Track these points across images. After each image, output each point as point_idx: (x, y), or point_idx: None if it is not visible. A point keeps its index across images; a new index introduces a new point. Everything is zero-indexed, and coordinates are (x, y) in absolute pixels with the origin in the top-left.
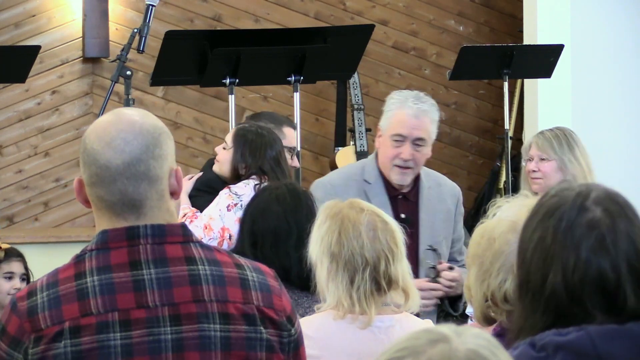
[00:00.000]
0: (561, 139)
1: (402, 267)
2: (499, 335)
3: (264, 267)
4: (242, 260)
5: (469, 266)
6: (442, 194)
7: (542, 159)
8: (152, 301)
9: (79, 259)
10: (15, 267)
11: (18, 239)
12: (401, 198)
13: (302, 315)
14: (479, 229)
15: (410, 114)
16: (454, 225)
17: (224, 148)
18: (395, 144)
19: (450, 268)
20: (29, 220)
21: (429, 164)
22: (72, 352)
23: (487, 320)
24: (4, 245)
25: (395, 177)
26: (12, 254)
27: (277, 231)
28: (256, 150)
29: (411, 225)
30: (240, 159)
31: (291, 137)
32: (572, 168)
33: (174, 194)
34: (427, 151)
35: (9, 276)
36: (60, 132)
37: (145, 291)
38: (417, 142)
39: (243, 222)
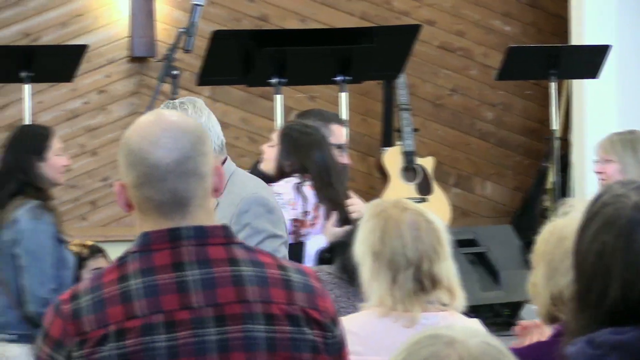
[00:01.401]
0: (626, 142)
1: (446, 267)
2: (560, 334)
3: (306, 269)
4: (285, 262)
5: (535, 263)
6: (232, 201)
7: (607, 161)
8: (196, 302)
9: (122, 262)
10: (102, 262)
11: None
12: None
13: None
14: (548, 227)
15: None
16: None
17: (271, 146)
18: None
19: None
20: (77, 220)
21: (475, 164)
22: (117, 355)
23: (550, 319)
24: (88, 242)
25: None
26: (96, 250)
27: None
28: (300, 149)
29: None
30: (285, 156)
31: (339, 134)
32: (632, 172)
33: (216, 190)
34: None
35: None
36: (107, 131)
37: (189, 292)
38: None
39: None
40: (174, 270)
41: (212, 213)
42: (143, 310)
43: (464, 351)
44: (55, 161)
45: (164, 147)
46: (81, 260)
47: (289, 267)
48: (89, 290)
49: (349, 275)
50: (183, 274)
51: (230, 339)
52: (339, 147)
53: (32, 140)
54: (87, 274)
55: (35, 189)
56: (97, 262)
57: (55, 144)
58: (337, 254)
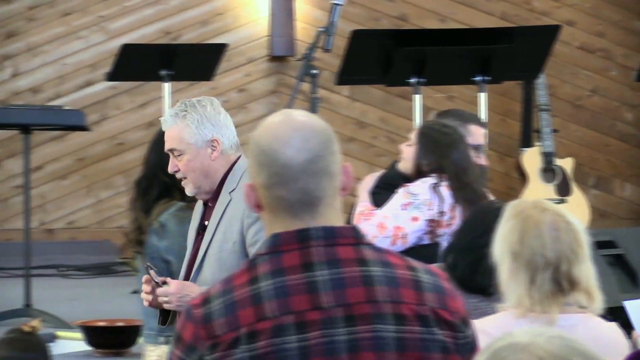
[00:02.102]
0: None
1: (585, 268)
2: None
3: (436, 269)
4: (414, 263)
5: None
6: (241, 197)
7: None
8: (326, 302)
9: (251, 264)
10: None
11: None
12: (207, 206)
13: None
14: None
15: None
16: (245, 229)
17: (409, 145)
18: None
19: (164, 282)
20: None
21: (614, 165)
22: (249, 358)
23: None
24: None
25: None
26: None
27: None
28: (438, 148)
29: (207, 232)
30: (423, 156)
31: (477, 135)
32: None
33: (344, 189)
34: (187, 159)
35: None
36: (247, 130)
37: (319, 292)
38: (173, 152)
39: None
40: (303, 271)
41: (341, 212)
42: (274, 312)
43: (542, 352)
44: None
45: (296, 146)
46: None
47: (419, 268)
48: (220, 293)
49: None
50: (312, 275)
51: (359, 339)
52: (476, 148)
53: None
54: None
55: (179, 190)
56: None
57: None
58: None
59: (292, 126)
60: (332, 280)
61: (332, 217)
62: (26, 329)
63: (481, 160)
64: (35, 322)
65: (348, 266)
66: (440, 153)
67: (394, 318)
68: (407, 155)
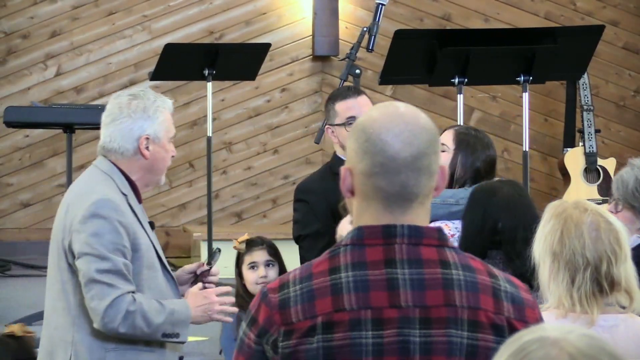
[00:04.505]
0: None
1: (625, 269)
2: None
3: (516, 280)
4: (495, 270)
5: None
6: None
7: None
8: (404, 301)
9: (333, 254)
10: (257, 255)
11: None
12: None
13: None
14: None
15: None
16: None
17: (443, 151)
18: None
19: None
20: (258, 217)
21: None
22: (323, 348)
23: None
24: (241, 238)
25: None
26: (255, 243)
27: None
28: (474, 154)
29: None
30: (465, 161)
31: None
32: None
33: (437, 190)
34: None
35: (253, 266)
36: (290, 129)
37: (398, 290)
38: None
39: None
40: (385, 267)
41: (429, 213)
42: (352, 305)
43: (572, 348)
44: None
45: (404, 140)
46: (238, 257)
47: (499, 277)
48: (298, 280)
49: None
50: (394, 272)
51: (433, 342)
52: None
53: None
54: (245, 270)
55: None
56: (252, 257)
57: None
58: None
59: (403, 120)
60: (413, 280)
61: (421, 216)
62: (18, 333)
63: None
64: (15, 327)
65: (430, 267)
66: (475, 158)
67: (469, 324)
68: (444, 159)
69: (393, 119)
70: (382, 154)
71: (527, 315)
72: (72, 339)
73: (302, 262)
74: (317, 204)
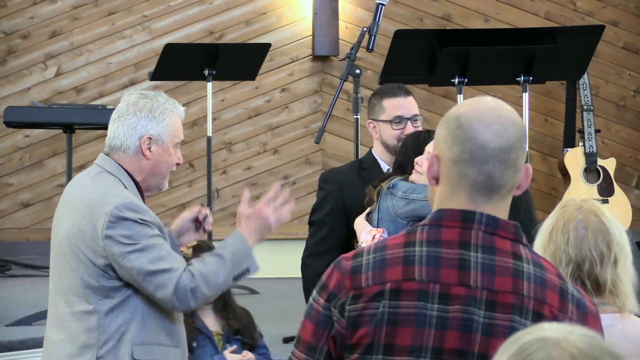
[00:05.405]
0: None
1: (615, 272)
2: None
3: (582, 290)
4: (564, 274)
5: None
6: None
7: None
8: (473, 281)
9: (410, 231)
10: None
11: None
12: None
13: None
14: None
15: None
16: None
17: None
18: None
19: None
20: None
21: None
22: (388, 314)
23: None
24: (190, 244)
25: None
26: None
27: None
28: None
29: None
30: None
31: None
32: None
33: (520, 188)
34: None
35: None
36: (290, 129)
37: (469, 271)
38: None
39: None
40: (459, 247)
41: (508, 209)
42: (422, 276)
43: (574, 349)
44: None
45: (495, 132)
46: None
47: (568, 281)
48: (372, 250)
49: None
50: (467, 254)
51: (496, 325)
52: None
53: None
54: None
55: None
56: None
57: None
58: None
59: (497, 112)
60: (484, 264)
61: (501, 209)
62: None
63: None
64: None
65: (502, 256)
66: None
67: (532, 315)
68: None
69: (486, 111)
70: (473, 142)
71: (589, 322)
72: (97, 340)
73: (307, 245)
74: (331, 193)
